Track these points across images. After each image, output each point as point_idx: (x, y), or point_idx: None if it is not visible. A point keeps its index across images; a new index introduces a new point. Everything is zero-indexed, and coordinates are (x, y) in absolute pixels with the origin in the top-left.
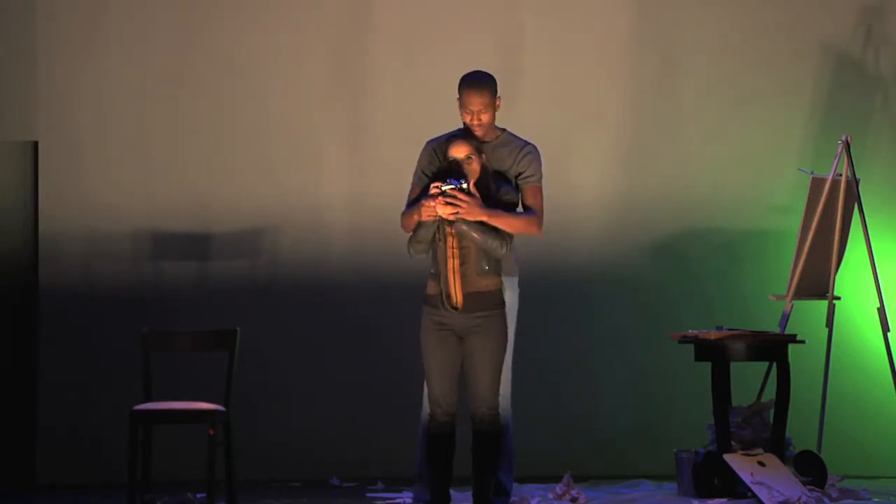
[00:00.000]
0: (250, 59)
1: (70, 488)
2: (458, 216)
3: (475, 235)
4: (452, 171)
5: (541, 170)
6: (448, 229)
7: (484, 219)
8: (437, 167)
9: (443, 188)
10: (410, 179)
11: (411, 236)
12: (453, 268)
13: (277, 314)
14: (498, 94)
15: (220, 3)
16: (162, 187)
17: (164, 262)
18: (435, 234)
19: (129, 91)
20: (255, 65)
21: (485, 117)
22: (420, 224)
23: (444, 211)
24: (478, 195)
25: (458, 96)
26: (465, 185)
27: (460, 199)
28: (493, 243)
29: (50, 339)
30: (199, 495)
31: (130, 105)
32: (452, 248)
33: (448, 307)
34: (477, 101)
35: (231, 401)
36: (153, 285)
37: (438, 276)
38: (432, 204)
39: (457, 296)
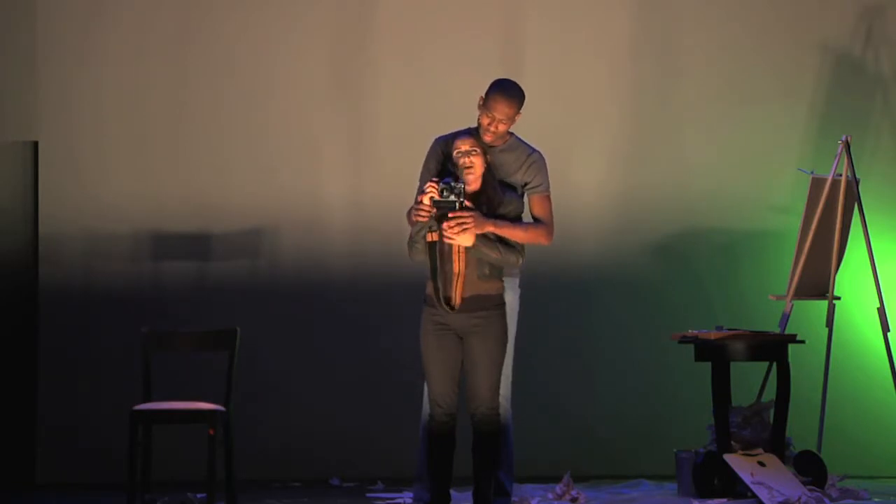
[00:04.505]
0: (250, 59)
1: (70, 488)
2: (469, 231)
3: (493, 255)
4: (450, 173)
5: (548, 178)
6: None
7: (490, 228)
8: (439, 161)
9: (440, 186)
10: (410, 179)
11: (409, 239)
12: (459, 271)
13: (277, 314)
14: (520, 111)
15: (220, 3)
16: (162, 187)
17: (164, 262)
18: (430, 233)
19: (129, 91)
20: (255, 65)
21: (502, 127)
22: (415, 225)
23: (464, 239)
24: (472, 207)
25: (483, 95)
26: (460, 185)
27: (464, 217)
28: (509, 258)
29: (50, 338)
30: (199, 495)
31: (130, 105)
32: (459, 252)
33: (446, 307)
34: (503, 110)
35: (231, 401)
36: (153, 285)
37: (435, 274)
38: (426, 205)
39: (456, 298)
